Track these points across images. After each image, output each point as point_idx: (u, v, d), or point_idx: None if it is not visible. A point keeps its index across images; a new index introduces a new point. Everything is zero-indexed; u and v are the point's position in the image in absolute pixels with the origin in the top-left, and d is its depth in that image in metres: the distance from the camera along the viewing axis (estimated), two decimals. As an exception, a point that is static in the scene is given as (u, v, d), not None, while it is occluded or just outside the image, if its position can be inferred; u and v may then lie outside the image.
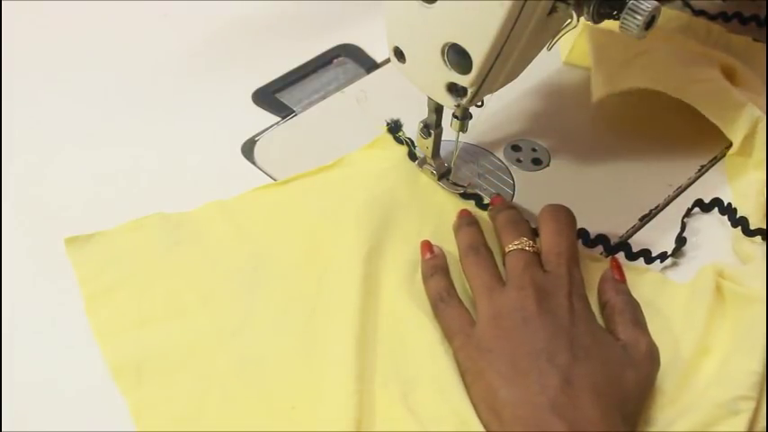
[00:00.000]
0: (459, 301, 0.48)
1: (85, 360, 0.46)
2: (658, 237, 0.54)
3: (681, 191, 0.57)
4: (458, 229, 0.52)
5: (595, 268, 0.50)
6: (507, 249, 0.48)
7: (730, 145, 0.58)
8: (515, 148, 0.61)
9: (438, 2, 0.45)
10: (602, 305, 0.48)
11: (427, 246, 0.51)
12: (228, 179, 0.56)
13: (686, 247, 0.53)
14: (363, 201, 0.54)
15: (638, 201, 0.56)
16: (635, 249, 0.52)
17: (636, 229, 0.55)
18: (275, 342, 0.47)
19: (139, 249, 0.51)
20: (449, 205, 0.55)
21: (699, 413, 0.43)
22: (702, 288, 0.49)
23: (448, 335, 0.46)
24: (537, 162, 0.60)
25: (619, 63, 0.61)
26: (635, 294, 0.48)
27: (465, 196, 0.55)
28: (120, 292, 0.49)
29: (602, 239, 0.53)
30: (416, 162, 0.57)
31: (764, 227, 0.52)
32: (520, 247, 0.48)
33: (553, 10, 0.44)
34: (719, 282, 0.49)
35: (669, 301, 0.49)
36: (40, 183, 0.57)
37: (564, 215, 0.50)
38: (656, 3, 0.43)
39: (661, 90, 0.59)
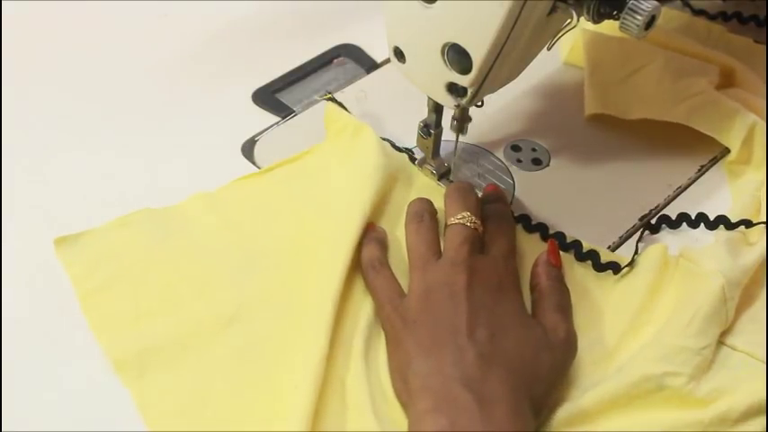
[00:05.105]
0: (390, 271, 0.48)
1: (85, 359, 0.46)
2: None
3: (681, 191, 0.57)
4: (411, 202, 0.53)
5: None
6: (449, 222, 0.49)
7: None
8: (515, 148, 0.61)
9: (438, 2, 0.45)
10: (532, 288, 0.49)
11: (372, 225, 0.51)
12: (229, 179, 0.56)
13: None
14: (357, 194, 0.53)
15: (638, 201, 0.56)
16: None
17: (636, 229, 0.55)
18: (272, 326, 0.47)
19: (129, 245, 0.51)
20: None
21: (627, 379, 0.43)
22: (646, 265, 0.50)
23: (376, 303, 0.47)
24: (537, 162, 0.60)
25: (612, 82, 0.62)
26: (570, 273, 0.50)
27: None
28: (113, 289, 0.49)
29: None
30: (416, 162, 0.57)
31: (755, 220, 0.52)
32: (462, 222, 0.48)
33: (553, 10, 0.44)
34: (676, 259, 0.50)
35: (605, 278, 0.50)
36: (39, 183, 0.57)
37: (508, 217, 0.51)
38: (656, 3, 0.43)
39: (651, 118, 0.59)
